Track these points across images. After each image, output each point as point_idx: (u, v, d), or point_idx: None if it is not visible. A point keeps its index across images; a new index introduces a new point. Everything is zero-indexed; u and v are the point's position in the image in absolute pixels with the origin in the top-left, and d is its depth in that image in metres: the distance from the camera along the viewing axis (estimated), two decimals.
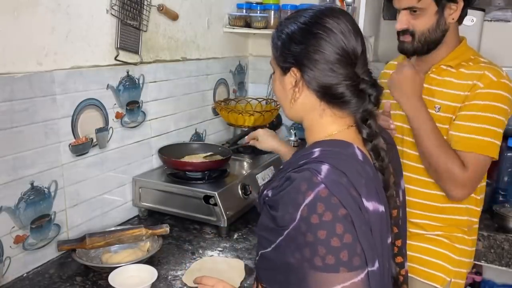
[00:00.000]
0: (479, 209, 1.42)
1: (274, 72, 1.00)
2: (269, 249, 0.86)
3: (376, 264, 0.83)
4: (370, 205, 0.83)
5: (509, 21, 2.09)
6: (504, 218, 1.82)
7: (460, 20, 1.36)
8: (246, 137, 1.65)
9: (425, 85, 1.37)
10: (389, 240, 0.92)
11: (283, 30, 0.93)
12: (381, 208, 0.86)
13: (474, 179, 1.28)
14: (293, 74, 0.91)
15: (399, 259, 1.07)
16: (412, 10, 1.30)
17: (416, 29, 1.31)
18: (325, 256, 0.78)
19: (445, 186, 1.31)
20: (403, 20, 1.32)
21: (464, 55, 1.35)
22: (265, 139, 1.56)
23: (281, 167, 0.99)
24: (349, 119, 0.93)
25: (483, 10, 1.99)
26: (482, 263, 1.83)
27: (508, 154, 1.93)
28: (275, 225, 0.84)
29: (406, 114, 1.33)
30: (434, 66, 1.37)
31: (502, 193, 1.97)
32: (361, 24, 1.98)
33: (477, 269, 2.22)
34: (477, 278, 2.20)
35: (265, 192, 0.94)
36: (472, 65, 1.32)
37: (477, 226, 1.46)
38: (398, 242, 1.06)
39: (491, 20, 2.10)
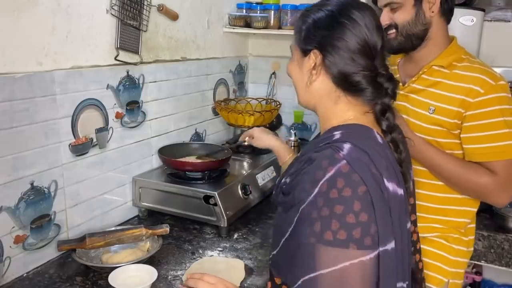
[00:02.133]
0: (475, 209, 1.42)
1: (291, 57, 1.01)
2: (287, 235, 0.86)
3: (392, 244, 0.83)
4: (390, 185, 0.84)
5: (509, 21, 2.09)
6: (504, 218, 1.82)
7: (447, 18, 1.36)
8: (241, 136, 1.63)
9: (417, 86, 1.38)
10: (409, 225, 0.92)
11: (309, 15, 0.95)
12: (400, 191, 0.87)
13: (509, 181, 1.27)
14: (314, 57, 0.93)
15: (418, 245, 1.10)
16: (391, 5, 1.33)
17: (397, 21, 1.34)
18: (337, 231, 0.78)
19: (486, 198, 1.32)
20: (384, 17, 1.36)
21: (455, 54, 1.35)
22: (260, 137, 1.54)
23: (298, 155, 0.99)
24: (364, 107, 0.94)
25: (483, 10, 1.99)
26: (482, 263, 1.83)
27: None
28: (291, 205, 0.84)
29: (414, 158, 1.33)
30: (425, 67, 1.37)
31: None
32: None
33: (477, 269, 2.22)
34: (477, 278, 2.20)
35: (282, 180, 0.94)
36: (466, 65, 1.32)
37: (473, 225, 1.46)
38: (416, 229, 1.08)
39: (491, 20, 2.10)
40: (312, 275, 0.80)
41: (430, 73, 1.36)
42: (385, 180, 0.83)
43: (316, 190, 0.80)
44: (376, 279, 0.81)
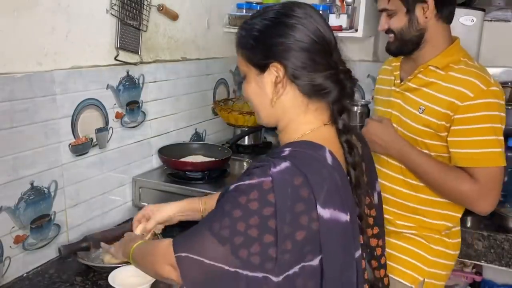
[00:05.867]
0: (459, 215, 1.41)
1: (244, 76, 0.95)
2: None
3: (295, 269, 0.81)
4: (326, 212, 0.80)
5: (509, 21, 2.09)
6: (504, 218, 1.82)
7: (446, 19, 1.35)
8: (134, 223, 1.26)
9: (412, 85, 1.38)
10: (358, 253, 0.89)
11: (253, 27, 0.90)
12: (345, 217, 0.83)
13: (491, 189, 1.27)
14: (274, 70, 0.88)
15: (383, 259, 1.05)
16: (387, 12, 1.35)
17: (393, 27, 1.36)
18: (224, 228, 0.80)
19: (467, 206, 1.32)
20: (382, 21, 1.38)
21: (453, 56, 1.34)
22: (158, 210, 1.25)
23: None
24: (326, 114, 0.92)
25: (483, 10, 1.99)
26: (482, 263, 1.82)
27: (508, 154, 1.93)
28: None
29: (398, 160, 1.37)
30: (422, 66, 1.36)
31: (502, 193, 1.96)
32: (361, 24, 1.97)
33: (477, 269, 2.22)
34: (477, 278, 2.20)
35: None
36: (461, 68, 1.31)
37: (458, 229, 1.46)
38: (380, 242, 1.04)
39: (491, 20, 2.10)
40: (185, 254, 0.83)
41: (426, 73, 1.36)
42: (318, 206, 0.79)
43: (233, 187, 0.82)
44: None
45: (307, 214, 0.79)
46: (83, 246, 1.36)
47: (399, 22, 1.33)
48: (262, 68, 0.89)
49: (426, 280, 1.39)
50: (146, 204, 1.70)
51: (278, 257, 0.79)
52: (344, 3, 2.11)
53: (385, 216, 1.38)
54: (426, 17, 1.32)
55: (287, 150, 0.86)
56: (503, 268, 1.80)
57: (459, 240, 1.47)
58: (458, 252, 1.47)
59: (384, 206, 1.32)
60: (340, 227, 0.83)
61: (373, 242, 1.01)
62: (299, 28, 0.86)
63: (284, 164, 0.81)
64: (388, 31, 1.37)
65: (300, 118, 0.91)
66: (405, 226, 1.41)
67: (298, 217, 0.79)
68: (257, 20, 0.90)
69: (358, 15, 2.01)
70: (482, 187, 1.25)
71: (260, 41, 0.89)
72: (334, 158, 0.86)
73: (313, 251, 0.81)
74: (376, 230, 1.02)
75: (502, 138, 1.26)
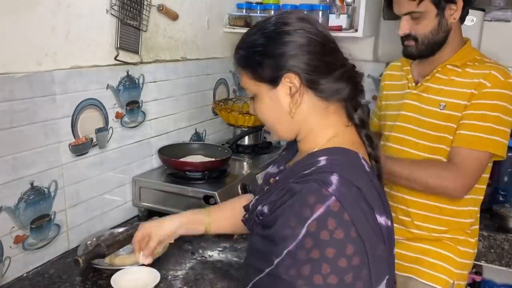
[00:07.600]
0: (478, 209, 1.42)
1: (253, 97, 0.92)
2: (263, 274, 0.80)
3: (384, 282, 0.79)
4: (382, 220, 0.79)
5: (509, 21, 2.09)
6: (504, 218, 1.82)
7: (462, 19, 1.36)
8: (135, 245, 1.19)
9: (431, 85, 1.38)
10: (392, 255, 0.88)
11: (255, 43, 0.87)
12: (388, 222, 0.83)
13: (465, 171, 1.27)
14: (287, 81, 0.85)
15: None
16: (412, 15, 1.31)
17: (418, 33, 1.33)
18: (328, 275, 0.73)
19: (442, 188, 1.30)
20: (404, 26, 1.33)
21: (469, 55, 1.36)
22: (159, 228, 1.16)
23: (277, 178, 0.92)
24: (344, 115, 0.91)
25: (483, 10, 1.99)
26: (482, 263, 1.83)
27: (508, 154, 1.93)
28: (271, 243, 0.78)
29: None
30: (440, 66, 1.36)
31: (502, 193, 1.96)
32: (361, 24, 1.97)
33: (477, 269, 2.21)
34: (477, 278, 2.20)
35: (259, 208, 0.87)
36: (478, 65, 1.33)
37: (477, 227, 1.46)
38: None
39: (491, 20, 2.10)
40: None
41: (444, 72, 1.36)
42: (377, 216, 0.78)
43: (304, 230, 0.74)
44: None
45: (374, 225, 0.77)
46: (100, 253, 1.30)
47: (427, 25, 1.30)
48: (274, 82, 0.87)
49: (455, 282, 1.39)
50: (146, 204, 1.70)
51: (372, 275, 0.76)
52: (344, 3, 2.11)
53: (415, 222, 1.40)
54: (454, 18, 1.31)
55: (322, 160, 0.82)
56: (503, 268, 1.80)
57: (477, 238, 1.47)
58: (476, 250, 1.47)
59: (411, 209, 1.39)
60: (390, 233, 0.82)
61: None
62: (301, 33, 0.84)
63: (334, 178, 0.77)
64: (409, 36, 1.34)
65: (322, 123, 0.89)
66: (434, 230, 1.39)
67: (373, 230, 0.77)
68: (256, 36, 0.88)
69: (358, 15, 2.01)
70: (458, 168, 1.26)
71: (266, 55, 0.86)
72: (367, 163, 0.85)
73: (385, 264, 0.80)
74: None
75: (508, 130, 1.27)
